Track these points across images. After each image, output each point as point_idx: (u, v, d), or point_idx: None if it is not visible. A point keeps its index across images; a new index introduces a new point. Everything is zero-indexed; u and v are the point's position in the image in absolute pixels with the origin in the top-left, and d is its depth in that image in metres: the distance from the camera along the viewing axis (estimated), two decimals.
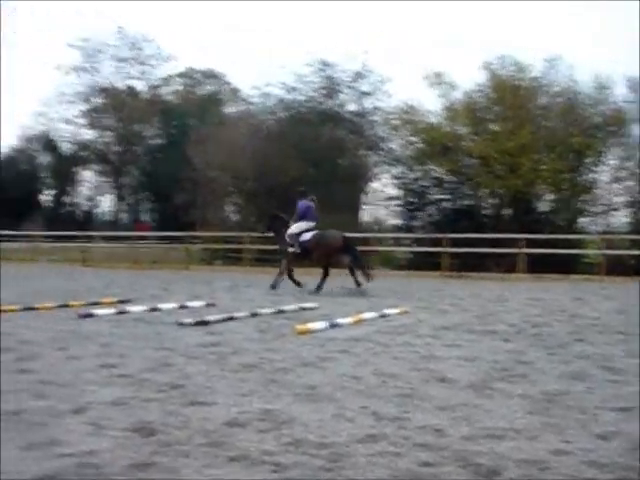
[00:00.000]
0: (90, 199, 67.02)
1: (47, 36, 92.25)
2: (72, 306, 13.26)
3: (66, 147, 64.81)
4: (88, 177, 66.85)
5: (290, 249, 18.05)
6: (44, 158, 66.29)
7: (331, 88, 39.36)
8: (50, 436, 5.06)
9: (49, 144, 64.25)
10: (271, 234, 19.44)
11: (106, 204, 67.25)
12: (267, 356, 8.31)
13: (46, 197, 66.92)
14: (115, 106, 61.78)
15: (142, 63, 62.38)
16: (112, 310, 12.55)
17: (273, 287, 18.14)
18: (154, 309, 12.85)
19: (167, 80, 64.33)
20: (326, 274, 18.05)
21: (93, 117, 63.95)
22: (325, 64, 38.96)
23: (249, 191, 37.31)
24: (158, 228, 45.04)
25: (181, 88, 65.26)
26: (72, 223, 54.73)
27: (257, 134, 38.95)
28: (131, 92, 63.13)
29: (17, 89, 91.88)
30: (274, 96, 40.03)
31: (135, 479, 4.25)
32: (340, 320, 11.23)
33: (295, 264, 18.63)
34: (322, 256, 18.04)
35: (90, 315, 11.85)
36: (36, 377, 7.03)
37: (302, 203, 18.41)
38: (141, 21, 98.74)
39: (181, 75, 64.07)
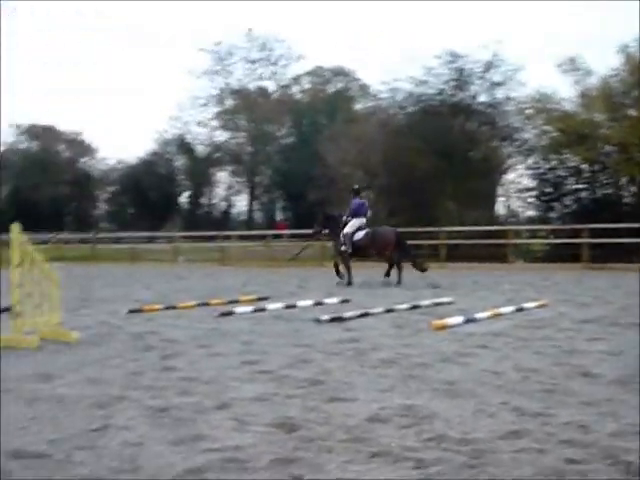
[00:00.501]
0: (225, 199, 68.50)
1: (180, 41, 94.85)
2: (212, 304, 13.58)
3: (201, 149, 66.49)
4: (223, 178, 68.40)
5: (342, 247, 18.79)
6: (180, 161, 68.17)
7: (461, 80, 38.83)
8: (196, 432, 5.20)
9: (184, 147, 66.02)
10: (326, 231, 20.12)
11: (241, 204, 68.64)
12: (405, 352, 8.29)
13: (183, 199, 68.83)
14: (247, 107, 62.88)
15: (272, 63, 63.27)
16: (251, 308, 12.80)
17: (348, 283, 18.66)
18: (291, 306, 13.01)
19: (297, 79, 65.01)
20: (399, 267, 18.73)
21: (226, 119, 65.30)
22: (455, 55, 38.47)
23: (380, 186, 37.31)
24: (292, 226, 45.53)
25: (311, 86, 65.82)
26: (209, 223, 56.09)
27: (387, 129, 38.90)
28: (262, 93, 64.11)
29: (153, 95, 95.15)
30: (403, 90, 39.81)
31: (279, 474, 4.33)
32: (477, 315, 11.10)
33: (351, 261, 19.11)
34: (376, 251, 18.99)
35: (230, 313, 12.11)
36: (180, 374, 7.24)
37: (355, 201, 19.27)
38: (271, 21, 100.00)
39: (310, 73, 64.60)
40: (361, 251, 18.94)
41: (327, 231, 20.05)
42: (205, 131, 65.44)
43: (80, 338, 9.56)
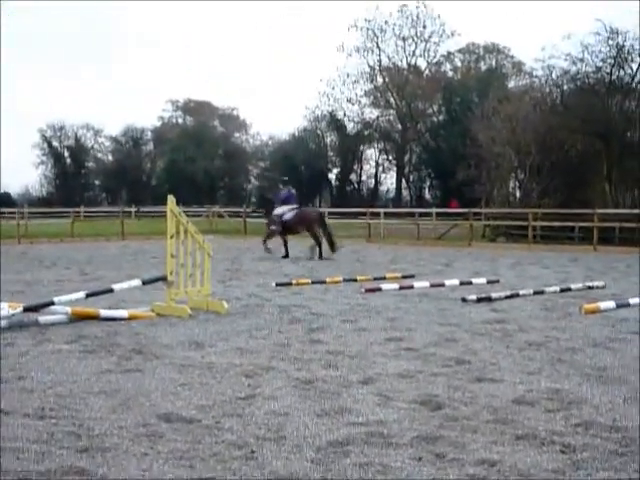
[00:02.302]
0: (374, 176, 68.63)
1: (329, 19, 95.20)
2: (358, 280, 13.64)
3: (351, 126, 66.76)
4: (372, 155, 68.55)
5: (272, 227, 21.29)
6: (330, 137, 68.70)
7: (620, 57, 37.28)
8: (341, 405, 5.26)
9: (335, 124, 66.44)
10: (261, 211, 23.31)
11: (389, 181, 68.67)
12: (553, 335, 8.11)
13: (332, 175, 69.37)
14: (398, 84, 62.63)
15: (425, 40, 62.65)
16: (396, 285, 12.78)
17: (267, 251, 21.02)
18: (438, 285, 12.92)
19: (449, 56, 64.23)
20: (318, 243, 20.75)
21: (376, 96, 65.28)
22: (614, 32, 36.98)
23: (532, 166, 36.43)
24: (440, 205, 45.23)
25: (463, 63, 64.95)
26: (357, 200, 56.37)
27: (541, 108, 37.89)
28: (413, 70, 63.66)
29: (304, 72, 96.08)
30: (559, 68, 38.63)
31: (423, 451, 4.32)
32: (631, 300, 10.70)
33: (283, 237, 21.31)
34: (303, 228, 21.07)
35: (376, 289, 12.14)
36: (326, 348, 7.33)
37: (283, 192, 22.51)
38: None
39: (463, 50, 63.67)
40: (290, 229, 21.09)
41: (262, 211, 23.09)
42: (355, 108, 65.65)
43: (230, 309, 9.81)
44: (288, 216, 20.91)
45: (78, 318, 8.92)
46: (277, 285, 12.95)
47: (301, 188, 62.43)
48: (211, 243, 11.11)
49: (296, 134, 68.69)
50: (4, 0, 74.40)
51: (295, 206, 21.37)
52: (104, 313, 9.10)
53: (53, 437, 4.54)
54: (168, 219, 9.93)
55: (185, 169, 66.88)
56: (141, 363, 6.62)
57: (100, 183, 77.33)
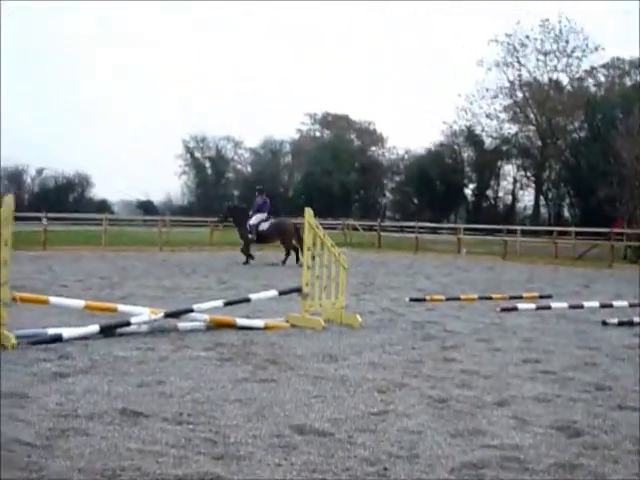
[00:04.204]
0: (511, 193, 67.47)
1: (468, 33, 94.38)
2: (493, 299, 13.40)
3: (489, 141, 65.89)
4: (510, 171, 67.39)
5: (250, 236, 22.46)
6: (467, 152, 67.99)
7: None
8: (475, 426, 5.17)
9: (472, 138, 65.72)
10: (230, 221, 24.54)
11: (527, 198, 67.32)
12: None
13: (469, 191, 68.59)
14: (538, 100, 61.47)
15: (567, 55, 61.23)
16: (533, 305, 12.48)
17: (245, 263, 22.35)
18: (576, 306, 12.54)
19: (592, 71, 62.52)
20: (288, 253, 22.58)
21: (516, 111, 64.24)
22: None
23: None
24: (579, 224, 44.05)
25: (607, 79, 63.07)
26: (493, 216, 55.51)
27: None
28: (555, 85, 62.33)
29: (442, 86, 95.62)
30: None
31: (561, 479, 4.19)
32: None
33: (256, 247, 23.46)
34: (278, 239, 22.89)
35: (512, 309, 11.90)
36: (460, 366, 7.22)
37: (259, 199, 23.13)
38: (568, 13, 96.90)
39: (607, 65, 61.80)
40: (265, 239, 22.79)
41: (231, 219, 24.17)
42: (494, 123, 64.73)
43: (363, 322, 9.81)
44: (264, 226, 22.26)
45: (216, 326, 9.12)
46: (411, 300, 12.86)
47: (435, 203, 62.17)
48: (345, 256, 11.14)
49: (432, 149, 68.15)
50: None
51: (266, 215, 22.64)
52: (241, 322, 9.27)
53: (190, 442, 4.64)
54: (305, 231, 10.04)
55: (321, 181, 67.44)
56: (276, 373, 6.70)
57: (239, 193, 78.81)
